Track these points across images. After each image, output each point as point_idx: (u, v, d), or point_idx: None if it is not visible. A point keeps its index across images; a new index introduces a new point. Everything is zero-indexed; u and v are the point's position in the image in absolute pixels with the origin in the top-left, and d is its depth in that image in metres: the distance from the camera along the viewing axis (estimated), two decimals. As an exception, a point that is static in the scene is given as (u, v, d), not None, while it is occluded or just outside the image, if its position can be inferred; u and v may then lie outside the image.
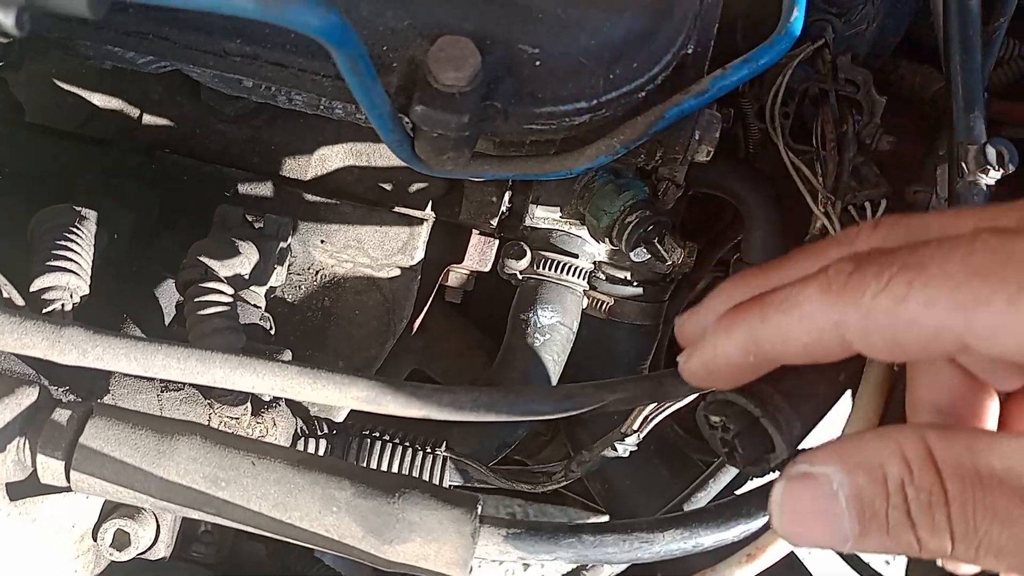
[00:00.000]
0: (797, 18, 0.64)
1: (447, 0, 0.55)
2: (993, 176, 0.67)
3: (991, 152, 0.66)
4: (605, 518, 1.16)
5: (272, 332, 0.82)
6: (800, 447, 0.60)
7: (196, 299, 0.66)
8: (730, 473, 0.68)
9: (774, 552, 0.58)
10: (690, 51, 0.63)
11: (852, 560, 1.51)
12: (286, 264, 0.82)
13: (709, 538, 0.58)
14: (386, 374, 1.06)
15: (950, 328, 0.37)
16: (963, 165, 0.67)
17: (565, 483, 0.78)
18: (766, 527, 0.59)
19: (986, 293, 0.36)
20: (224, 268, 0.70)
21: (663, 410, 0.72)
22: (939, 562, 0.42)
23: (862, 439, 0.39)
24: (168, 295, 0.76)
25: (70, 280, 0.63)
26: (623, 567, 0.61)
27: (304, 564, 1.01)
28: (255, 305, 0.78)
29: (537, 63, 0.55)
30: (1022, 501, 0.36)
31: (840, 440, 0.41)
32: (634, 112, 0.61)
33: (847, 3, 0.87)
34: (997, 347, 0.36)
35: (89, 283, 0.65)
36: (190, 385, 0.69)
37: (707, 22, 0.64)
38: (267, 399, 0.74)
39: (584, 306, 0.95)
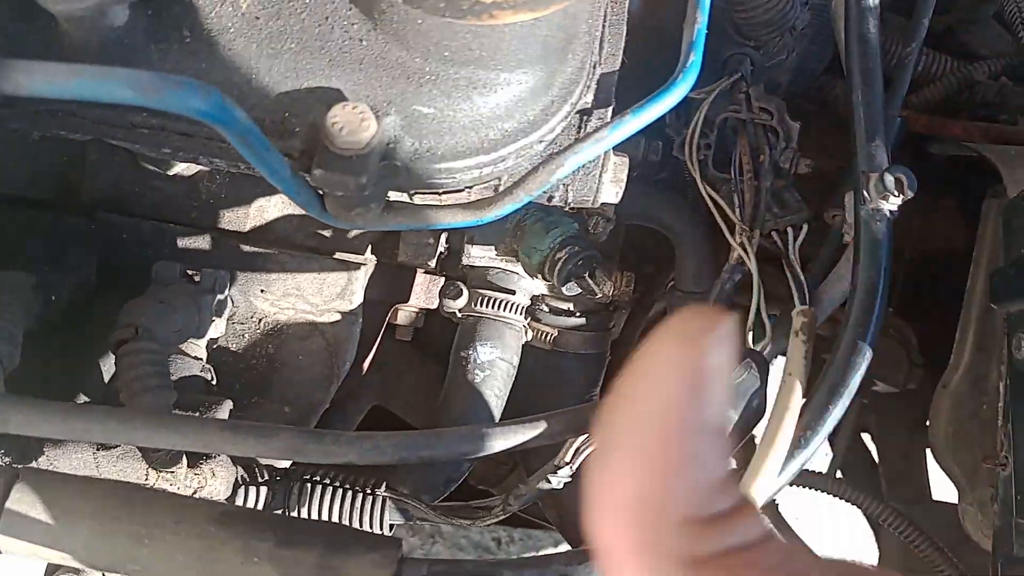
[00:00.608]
0: (694, 63, 0.67)
1: (343, 70, 0.57)
2: (894, 202, 0.70)
3: (889, 180, 0.69)
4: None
5: (214, 382, 0.84)
6: None
7: (126, 358, 0.68)
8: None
9: None
10: (589, 99, 0.65)
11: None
12: (225, 315, 0.84)
13: (625, 569, 0.60)
14: (345, 413, 1.08)
15: None
16: (865, 193, 0.70)
17: (503, 517, 0.80)
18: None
19: None
20: (158, 327, 0.72)
21: (590, 445, 0.74)
22: None
23: None
24: (108, 355, 0.78)
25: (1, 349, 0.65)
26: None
27: None
28: (196, 357, 0.80)
29: (433, 122, 0.58)
30: None
31: None
32: (537, 162, 0.63)
33: (763, 37, 0.90)
34: None
35: (19, 353, 0.67)
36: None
37: (608, 69, 0.67)
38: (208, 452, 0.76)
39: (529, 338, 0.98)
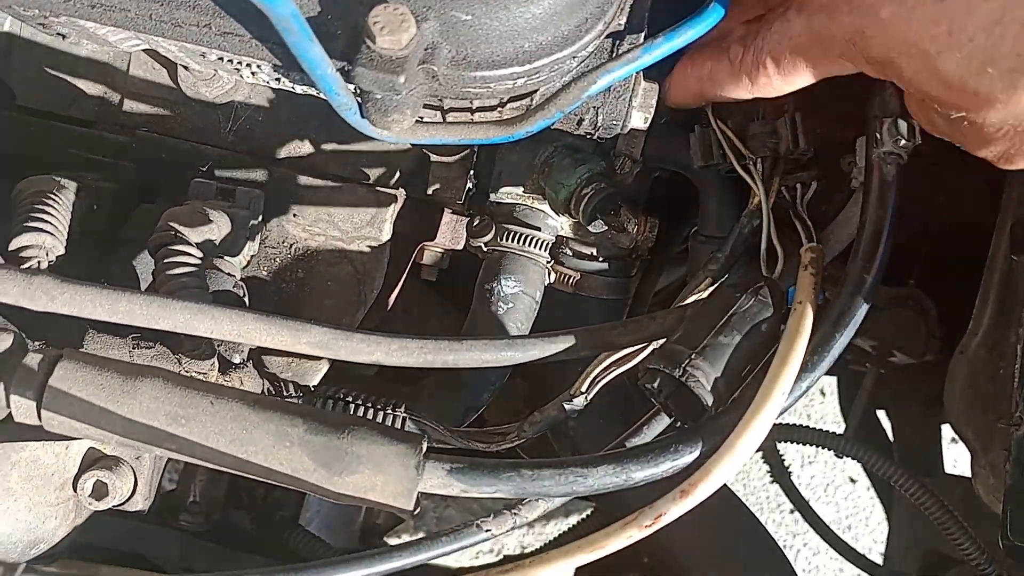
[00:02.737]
0: (726, -9, 0.68)
1: (386, -29, 0.59)
2: (906, 146, 0.71)
3: (903, 124, 0.70)
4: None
5: (246, 300, 0.86)
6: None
7: (165, 260, 0.70)
8: (665, 421, 0.72)
9: (705, 488, 0.62)
10: (623, 21, 0.67)
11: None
12: (258, 237, 0.86)
13: (639, 473, 0.62)
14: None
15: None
16: (878, 136, 0.71)
17: (519, 443, 0.82)
18: (695, 465, 0.63)
19: None
20: (194, 234, 0.74)
21: (609, 372, 0.76)
22: None
23: None
24: (144, 263, 0.81)
25: (45, 240, 0.68)
26: (557, 501, 0.65)
27: (286, 530, 1.06)
28: (229, 274, 0.83)
29: (471, 29, 0.59)
30: None
31: None
32: (569, 79, 0.65)
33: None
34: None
35: (65, 245, 0.69)
36: (160, 343, 0.74)
37: (641, -6, 0.69)
38: (236, 360, 0.78)
39: (551, 280, 0.99)
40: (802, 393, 0.63)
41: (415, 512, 0.61)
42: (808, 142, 0.77)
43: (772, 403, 0.60)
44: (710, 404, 0.65)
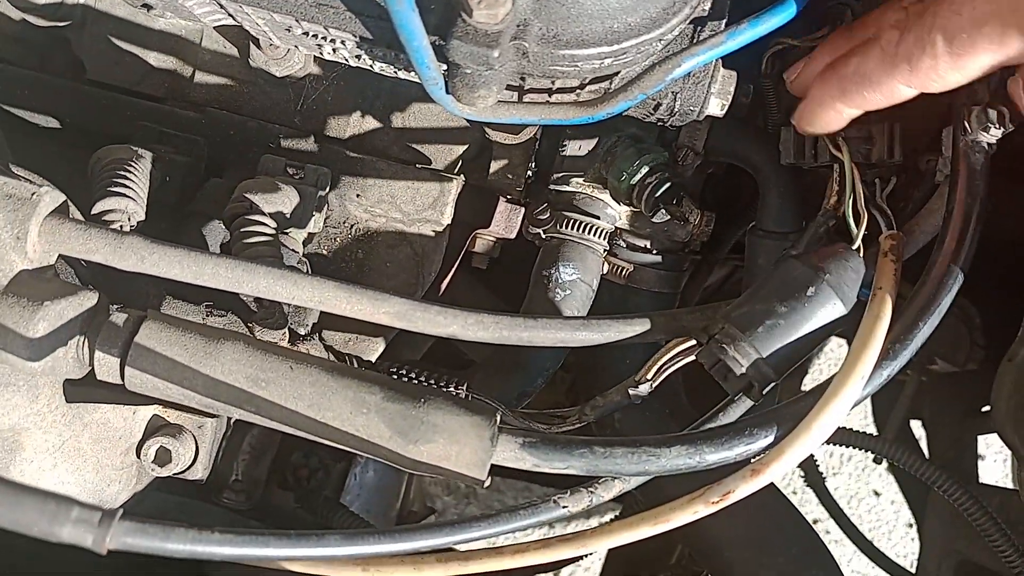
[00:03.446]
0: (808, -19, 0.69)
1: (482, -54, 0.59)
2: (994, 134, 0.71)
3: (992, 112, 0.70)
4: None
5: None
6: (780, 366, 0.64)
7: (242, 229, 0.71)
8: (740, 409, 0.72)
9: (776, 469, 0.62)
10: (707, 7, 0.67)
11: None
12: (324, 213, 0.87)
13: (713, 455, 0.62)
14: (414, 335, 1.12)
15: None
16: (966, 124, 0.71)
17: (579, 426, 0.82)
18: (767, 448, 0.63)
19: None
20: (268, 205, 0.75)
21: (676, 361, 0.76)
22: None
23: None
24: (214, 235, 0.81)
25: (128, 204, 0.69)
26: (634, 482, 0.65)
27: (330, 510, 1.06)
28: (293, 249, 0.84)
29: (563, 7, 0.60)
30: None
31: None
32: (652, 62, 0.66)
33: (863, -13, 0.91)
34: None
35: (144, 209, 0.70)
36: (232, 312, 0.74)
37: (724, -18, 0.69)
38: (302, 332, 0.79)
39: (604, 271, 1.00)
40: (883, 381, 0.62)
41: (485, 484, 0.61)
42: (903, 153, 0.76)
43: (850, 388, 0.60)
44: (741, 375, 0.65)
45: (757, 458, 0.61)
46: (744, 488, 0.61)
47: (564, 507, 0.63)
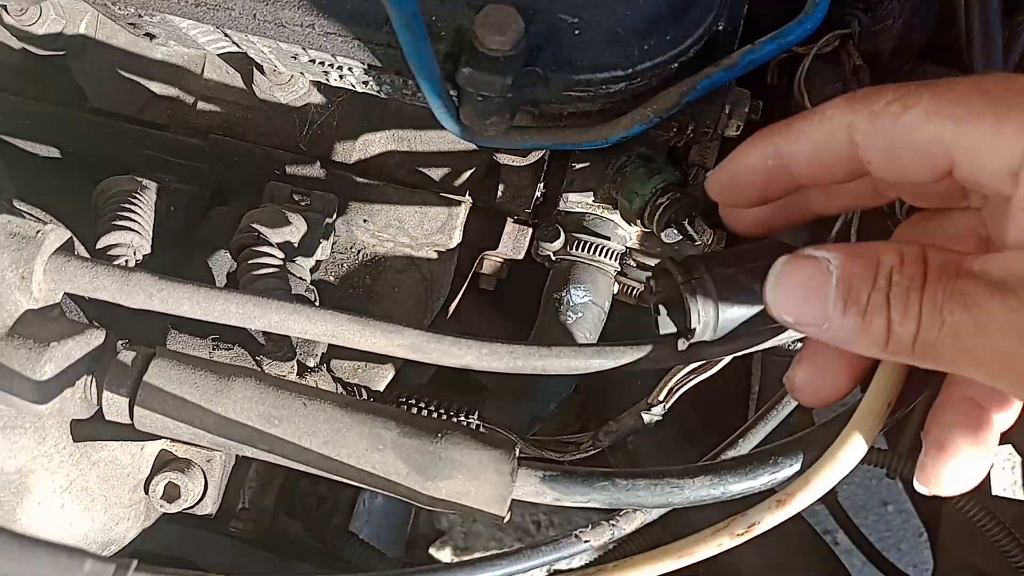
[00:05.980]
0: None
1: (493, -28, 0.58)
2: None
3: None
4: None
5: (317, 304, 0.85)
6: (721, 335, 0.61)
7: (249, 261, 0.70)
8: (761, 434, 0.70)
9: (803, 499, 0.60)
10: (721, 27, 0.66)
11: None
12: (331, 240, 0.86)
13: (737, 486, 0.60)
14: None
15: (940, 139, 0.42)
16: None
17: (593, 452, 0.81)
18: (793, 477, 0.61)
19: (978, 110, 0.40)
20: (275, 235, 0.74)
21: (689, 381, 0.74)
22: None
23: (868, 243, 0.44)
24: (220, 265, 0.80)
25: (133, 238, 0.68)
26: (655, 513, 0.64)
27: (340, 539, 1.04)
28: (300, 278, 0.82)
29: (576, 32, 0.59)
30: (990, 290, 0.39)
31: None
32: (667, 83, 0.64)
33: (873, -1, 0.90)
34: (977, 166, 0.41)
35: (150, 242, 0.69)
36: (239, 345, 0.73)
37: (738, 1, 0.68)
38: (311, 364, 0.78)
39: (615, 291, 0.98)
40: (910, 406, 0.61)
41: (505, 520, 0.60)
42: None
43: (876, 413, 0.59)
44: (693, 328, 0.61)
45: (783, 487, 0.60)
46: (770, 519, 0.59)
47: (586, 541, 0.61)
